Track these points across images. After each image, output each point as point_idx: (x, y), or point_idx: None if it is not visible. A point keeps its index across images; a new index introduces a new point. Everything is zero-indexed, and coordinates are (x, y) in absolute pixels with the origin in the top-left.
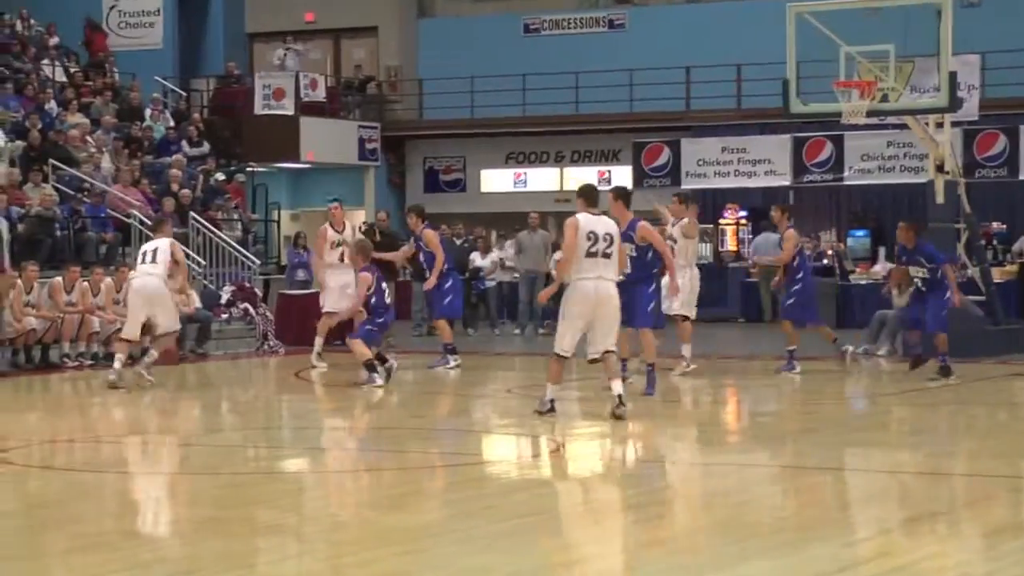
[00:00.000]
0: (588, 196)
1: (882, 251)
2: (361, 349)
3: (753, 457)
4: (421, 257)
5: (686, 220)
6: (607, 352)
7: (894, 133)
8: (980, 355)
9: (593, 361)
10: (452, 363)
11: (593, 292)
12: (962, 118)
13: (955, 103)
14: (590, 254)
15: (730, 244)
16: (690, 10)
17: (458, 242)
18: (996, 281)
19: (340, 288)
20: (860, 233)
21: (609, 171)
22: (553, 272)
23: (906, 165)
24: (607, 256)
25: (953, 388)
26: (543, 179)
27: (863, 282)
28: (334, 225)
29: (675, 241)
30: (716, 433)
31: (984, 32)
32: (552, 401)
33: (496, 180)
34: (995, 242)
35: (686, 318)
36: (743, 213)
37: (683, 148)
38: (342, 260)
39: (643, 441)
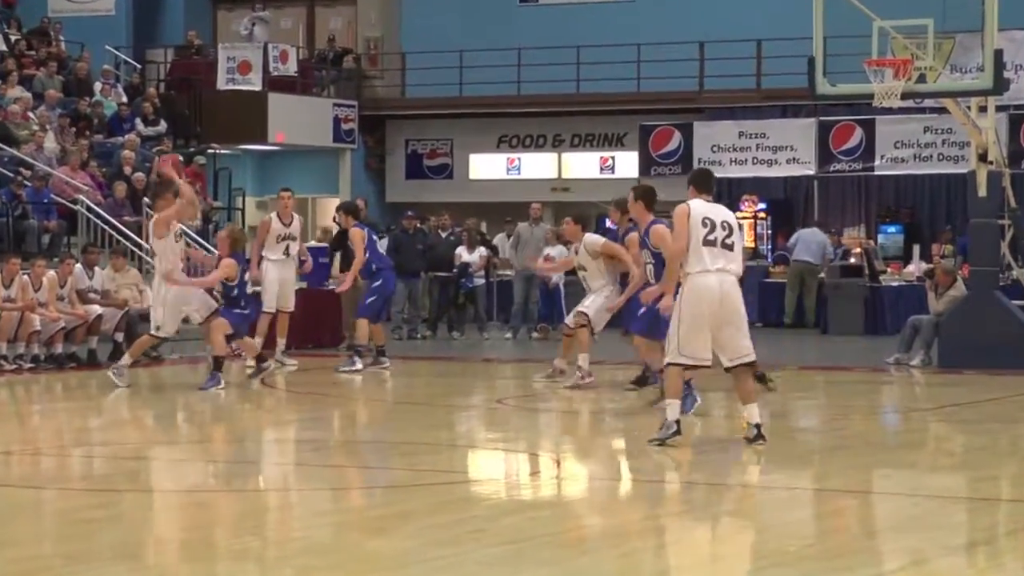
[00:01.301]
0: (700, 182)
1: (916, 249)
2: (220, 340)
3: (773, 478)
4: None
5: (599, 241)
6: (744, 364)
7: (931, 118)
8: (1020, 367)
9: (730, 370)
10: (359, 365)
11: (717, 287)
12: (1008, 101)
13: (1001, 84)
14: (708, 242)
15: (746, 240)
16: None
17: (443, 234)
18: None
19: (281, 286)
20: (892, 229)
21: (613, 157)
22: (537, 269)
23: (945, 154)
24: (728, 247)
25: (996, 403)
26: (539, 166)
27: (895, 284)
28: (281, 216)
29: (584, 269)
30: (732, 451)
31: None
32: (678, 423)
33: (486, 166)
34: None
35: (584, 325)
36: (762, 206)
37: (695, 132)
38: (287, 255)
39: (653, 459)
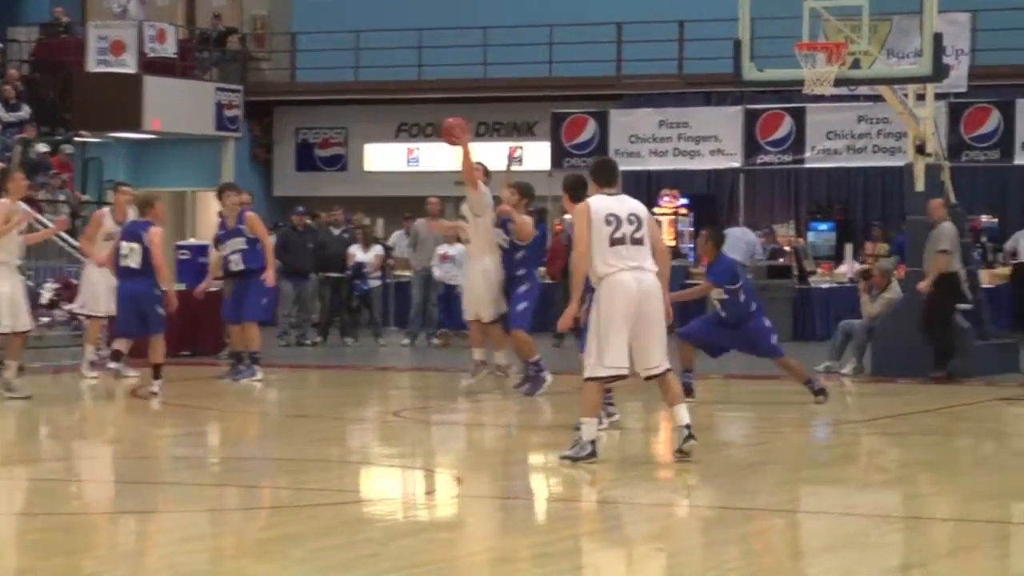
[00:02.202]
0: (600, 174)
1: (849, 248)
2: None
3: (694, 496)
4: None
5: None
6: (665, 370)
7: (866, 107)
8: (965, 375)
9: (650, 379)
10: (259, 374)
11: (635, 286)
12: (948, 89)
13: (940, 71)
14: (615, 241)
15: (666, 238)
16: None
17: (336, 232)
18: (985, 286)
19: (109, 289)
20: (823, 226)
21: (521, 147)
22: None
23: (880, 145)
24: (638, 242)
25: (933, 415)
26: (441, 157)
27: (826, 285)
28: (115, 213)
29: (464, 219)
30: (647, 466)
31: None
32: (594, 443)
33: (384, 157)
34: (984, 239)
35: (495, 321)
36: (684, 201)
37: (612, 121)
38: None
39: (563, 476)
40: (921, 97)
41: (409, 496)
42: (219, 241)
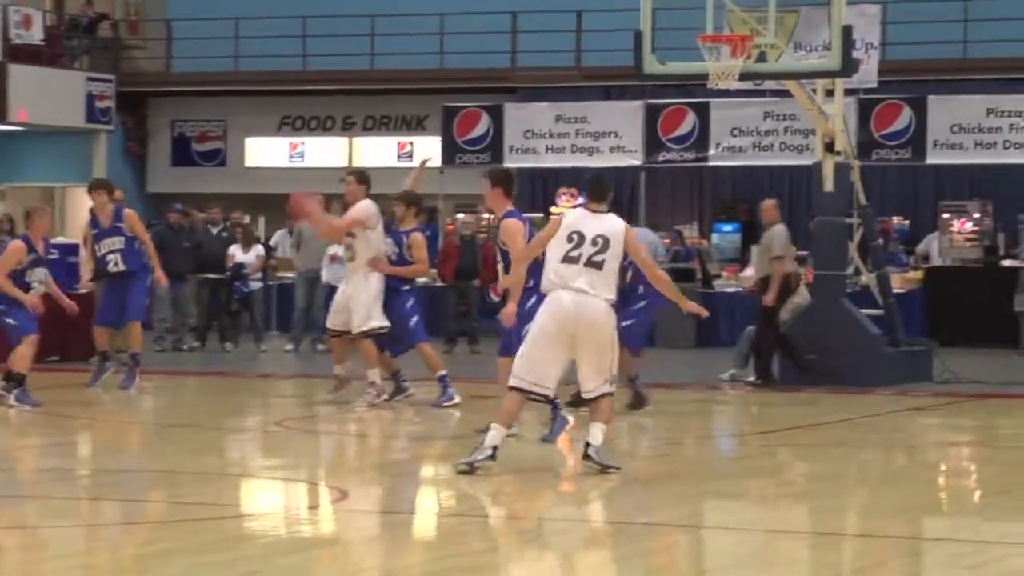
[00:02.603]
0: (591, 190)
1: (755, 250)
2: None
3: (591, 511)
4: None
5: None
6: (601, 395)
7: (772, 102)
8: (875, 384)
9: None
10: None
11: (572, 307)
12: (858, 85)
13: (849, 65)
14: (568, 259)
15: None
16: None
17: (214, 231)
18: (896, 291)
19: None
20: (728, 227)
21: (411, 143)
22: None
23: (787, 143)
24: (595, 265)
25: (842, 426)
26: (327, 152)
27: (731, 290)
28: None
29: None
30: (545, 480)
31: None
32: (495, 449)
33: (265, 152)
34: (895, 241)
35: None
36: (581, 200)
37: (507, 115)
38: None
39: (455, 489)
40: (830, 93)
41: (292, 511)
42: (95, 240)
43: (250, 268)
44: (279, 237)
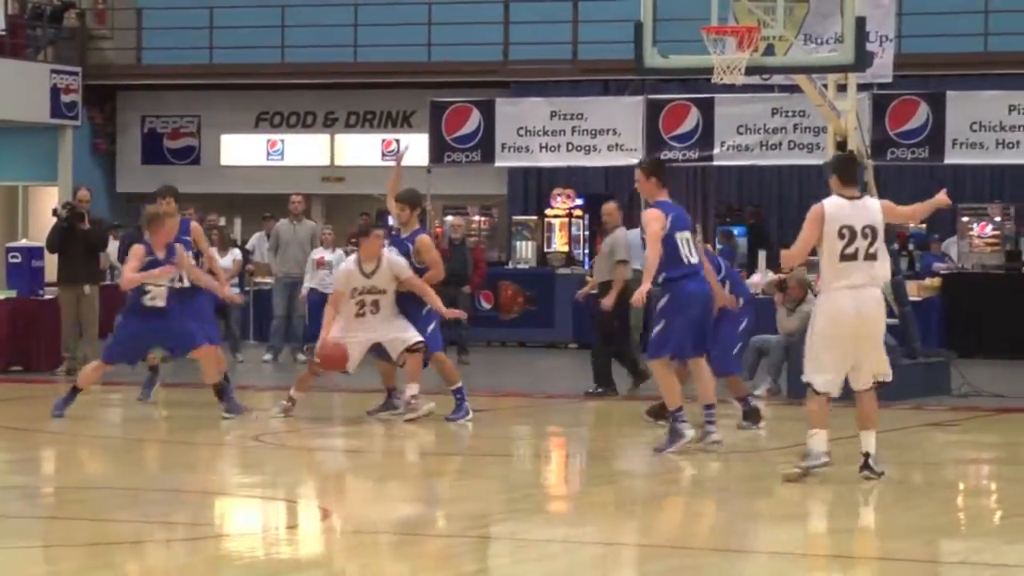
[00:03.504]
0: (844, 171)
1: (762, 255)
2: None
3: (585, 532)
4: None
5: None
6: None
7: (781, 98)
8: (890, 397)
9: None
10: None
11: (853, 310)
12: (872, 79)
13: (863, 59)
14: (845, 257)
15: (558, 243)
16: None
17: None
18: (913, 299)
19: None
20: (734, 231)
21: (397, 140)
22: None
23: (796, 141)
24: (872, 257)
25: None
26: (307, 150)
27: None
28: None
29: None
30: (539, 497)
31: None
32: (828, 454)
33: (242, 149)
34: (911, 247)
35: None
36: (578, 202)
37: (498, 112)
38: None
39: (441, 507)
40: (842, 88)
41: (271, 530)
42: None
43: (226, 273)
44: (256, 240)
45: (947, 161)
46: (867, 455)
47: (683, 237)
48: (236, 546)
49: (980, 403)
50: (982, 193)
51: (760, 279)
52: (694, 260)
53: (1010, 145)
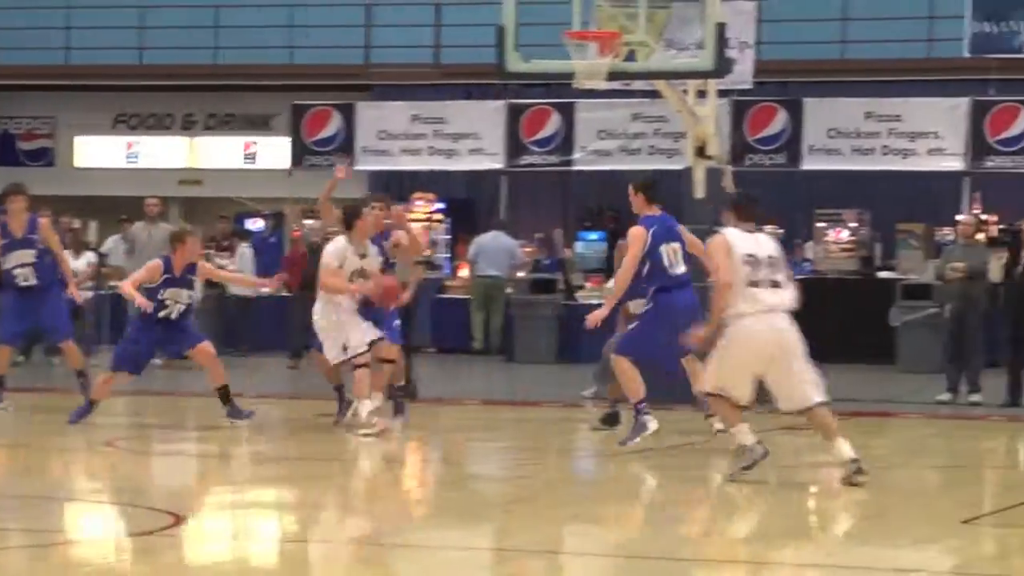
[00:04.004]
0: (742, 209)
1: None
2: None
3: (444, 536)
4: None
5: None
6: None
7: (642, 104)
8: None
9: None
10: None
11: (769, 333)
12: (732, 86)
13: (723, 65)
14: (752, 283)
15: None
16: None
17: None
18: None
19: None
20: (593, 236)
21: (256, 143)
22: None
23: (657, 146)
24: (776, 285)
25: (709, 446)
26: (165, 152)
27: (596, 302)
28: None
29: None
30: (395, 503)
31: None
32: (760, 443)
33: (98, 151)
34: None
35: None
36: (440, 206)
37: (359, 115)
38: None
39: (297, 512)
40: (702, 94)
41: (121, 537)
42: (3, 252)
43: (81, 276)
44: (112, 243)
45: (804, 167)
46: (855, 460)
47: (668, 249)
48: (84, 552)
49: (835, 407)
50: (838, 199)
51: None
52: (679, 271)
53: (866, 151)
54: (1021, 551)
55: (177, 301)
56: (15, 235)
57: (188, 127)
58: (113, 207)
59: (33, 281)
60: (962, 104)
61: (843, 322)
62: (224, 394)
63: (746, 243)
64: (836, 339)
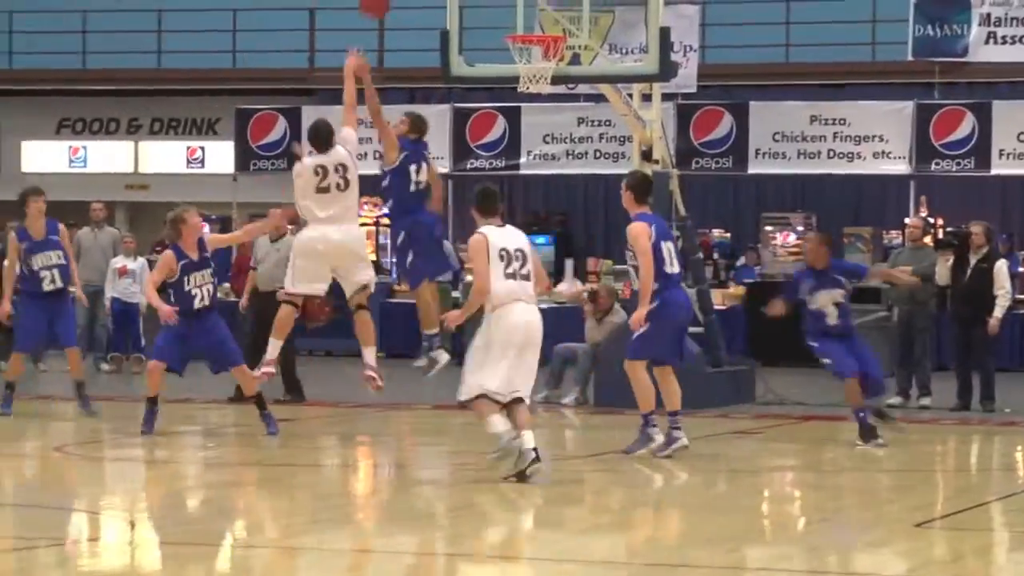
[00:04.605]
0: (484, 204)
1: (569, 264)
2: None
3: (389, 542)
4: None
5: None
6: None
7: (587, 108)
8: (695, 406)
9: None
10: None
11: (523, 322)
12: (676, 89)
13: (668, 69)
14: (508, 276)
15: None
16: None
17: None
18: (717, 307)
19: None
20: (541, 240)
21: (202, 148)
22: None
23: (602, 150)
24: (526, 278)
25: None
26: (110, 157)
27: (543, 306)
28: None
29: None
30: (343, 508)
31: None
32: (512, 429)
33: (44, 156)
34: (716, 255)
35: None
36: (385, 211)
37: (304, 119)
38: None
39: (248, 518)
40: (647, 97)
41: (72, 543)
42: (27, 255)
43: None
44: None
45: (750, 171)
46: (535, 449)
47: (667, 247)
48: (36, 559)
49: (784, 411)
50: (785, 203)
51: (567, 288)
52: (675, 269)
53: (812, 155)
54: (974, 554)
55: (202, 284)
56: (35, 237)
57: (133, 132)
58: (59, 212)
59: (60, 284)
60: (907, 107)
61: (791, 326)
62: (260, 403)
63: (499, 238)
64: (784, 343)
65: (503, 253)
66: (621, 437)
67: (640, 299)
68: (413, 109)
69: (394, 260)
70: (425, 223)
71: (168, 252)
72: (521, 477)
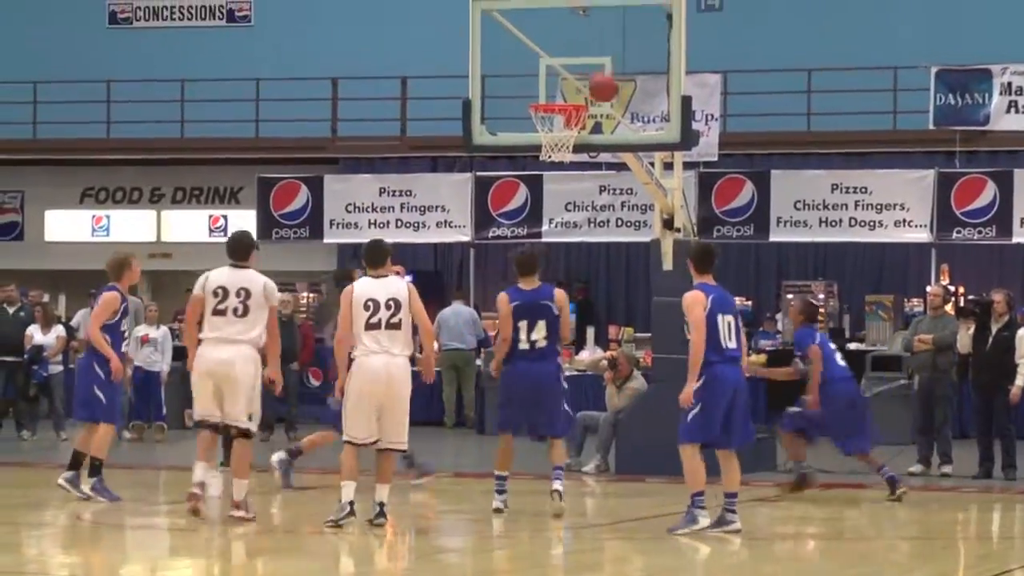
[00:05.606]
0: (372, 257)
1: (591, 332)
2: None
3: None
4: None
5: None
6: (389, 449)
7: (609, 176)
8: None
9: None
10: None
11: (383, 371)
12: (698, 158)
13: (689, 137)
14: (370, 326)
15: None
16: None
17: (11, 310)
18: None
19: None
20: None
21: (225, 216)
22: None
23: (624, 218)
24: (394, 327)
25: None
26: (133, 226)
27: (568, 373)
28: None
29: None
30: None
31: (726, 45)
32: (352, 504)
33: (67, 225)
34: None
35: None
36: (409, 277)
37: (327, 188)
38: None
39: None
40: (668, 166)
41: None
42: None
43: (50, 350)
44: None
45: (772, 239)
46: (382, 504)
47: (725, 320)
48: None
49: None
50: (806, 271)
51: (588, 355)
52: (732, 345)
53: (833, 223)
54: None
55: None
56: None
57: (156, 201)
58: (82, 281)
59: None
60: (928, 176)
61: None
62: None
63: (370, 289)
64: None
65: (369, 303)
66: (642, 505)
67: (688, 374)
68: (435, 177)
69: None
70: None
71: (112, 292)
72: (335, 525)
